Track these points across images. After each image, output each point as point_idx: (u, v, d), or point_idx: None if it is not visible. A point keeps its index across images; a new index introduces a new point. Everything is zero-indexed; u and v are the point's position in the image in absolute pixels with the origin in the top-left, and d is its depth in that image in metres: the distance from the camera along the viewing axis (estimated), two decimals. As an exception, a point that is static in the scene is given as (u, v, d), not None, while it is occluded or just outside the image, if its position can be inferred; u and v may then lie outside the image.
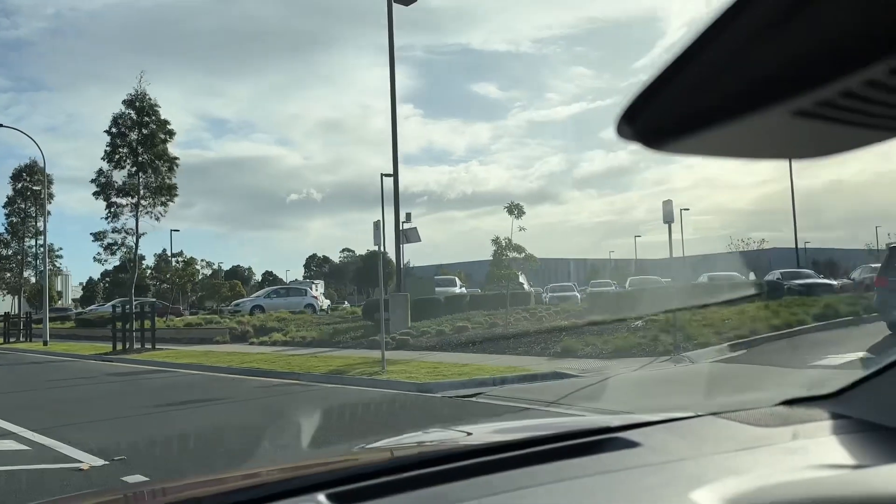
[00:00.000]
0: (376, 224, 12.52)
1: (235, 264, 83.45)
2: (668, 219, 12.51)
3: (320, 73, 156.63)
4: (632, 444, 1.37)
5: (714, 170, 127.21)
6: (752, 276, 28.08)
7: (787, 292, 22.58)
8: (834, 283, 24.82)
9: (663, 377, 9.85)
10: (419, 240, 19.96)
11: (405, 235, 20.08)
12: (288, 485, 1.19)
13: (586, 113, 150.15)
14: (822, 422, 1.50)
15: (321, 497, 1.09)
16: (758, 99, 0.48)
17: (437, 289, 23.68)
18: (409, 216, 20.28)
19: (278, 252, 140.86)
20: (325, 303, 36.97)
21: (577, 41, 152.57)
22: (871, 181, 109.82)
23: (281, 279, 76.35)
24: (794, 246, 53.07)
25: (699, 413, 1.66)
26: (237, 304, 33.20)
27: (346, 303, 52.73)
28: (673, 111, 0.52)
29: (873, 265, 26.28)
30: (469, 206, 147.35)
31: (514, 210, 16.95)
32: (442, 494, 1.13)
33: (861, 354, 10.78)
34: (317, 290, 39.26)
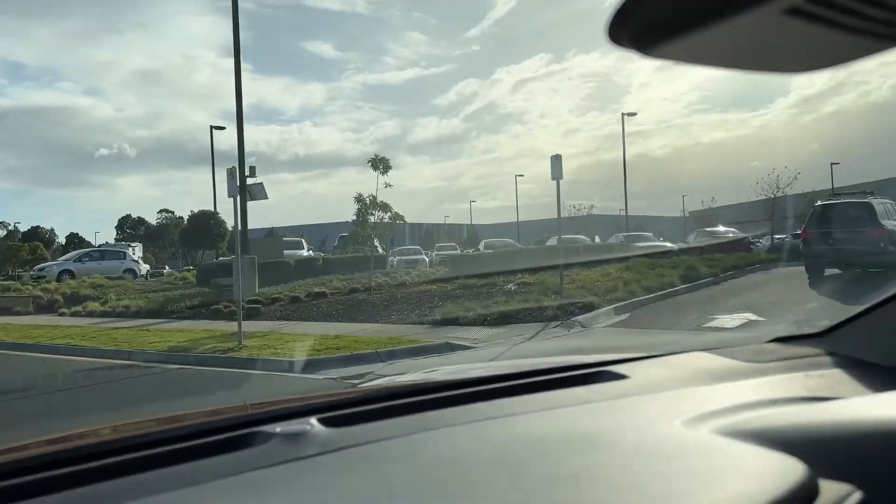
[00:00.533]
0: (231, 171, 10.50)
1: (35, 225, 74.04)
2: (557, 175, 11.67)
3: (135, 19, 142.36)
4: (621, 377, 1.43)
5: (537, 141, 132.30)
6: (596, 239, 28.64)
7: (632, 254, 23.09)
8: (674, 246, 25.92)
9: (570, 347, 8.98)
10: (266, 196, 17.78)
11: (250, 191, 17.84)
12: (284, 411, 1.22)
13: (421, 79, 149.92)
14: (809, 358, 1.56)
15: (313, 420, 1.15)
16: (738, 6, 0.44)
17: (285, 251, 21.61)
18: (253, 170, 17.99)
19: (86, 212, 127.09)
20: (145, 268, 33.26)
21: (415, 6, 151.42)
22: (670, 155, 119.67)
23: (89, 242, 68.73)
24: (612, 213, 57.04)
25: (690, 349, 1.70)
26: (41, 269, 28.79)
27: (166, 267, 48.31)
28: (662, 13, 0.48)
29: (708, 229, 27.86)
30: (301, 168, 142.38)
31: (380, 164, 15.38)
32: (433, 419, 1.19)
33: (751, 317, 10.63)
34: (136, 254, 35.23)
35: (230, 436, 1.11)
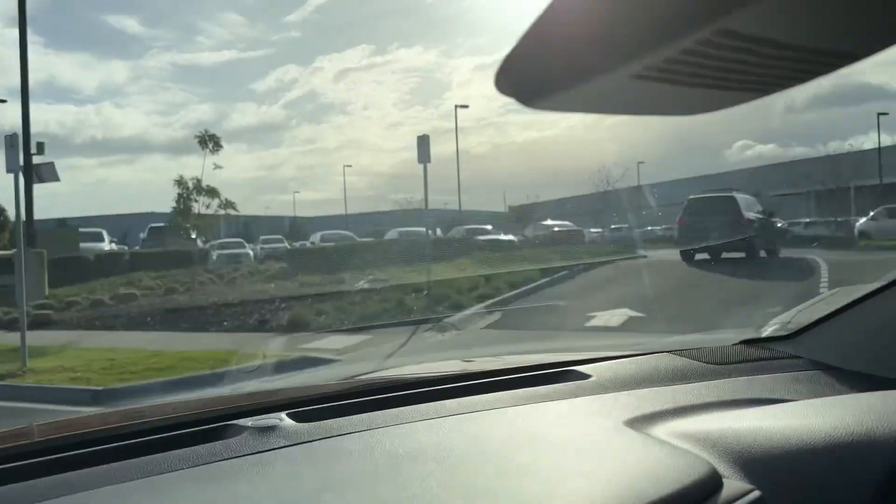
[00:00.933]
0: (10, 139, 7.92)
1: None
2: (424, 159, 10.26)
3: None
4: (585, 377, 1.47)
5: (362, 133, 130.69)
6: (438, 232, 27.70)
7: (476, 247, 22.38)
8: (514, 238, 25.61)
9: (461, 356, 7.60)
10: (57, 178, 14.69)
11: (38, 172, 14.62)
12: (256, 406, 1.26)
13: (238, 62, 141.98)
14: (775, 360, 1.59)
15: (283, 415, 1.20)
16: (605, 60, 0.52)
17: (82, 244, 18.26)
18: (41, 147, 14.82)
19: None
20: None
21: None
22: (489, 152, 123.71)
23: None
24: (437, 207, 57.25)
25: (657, 350, 1.71)
26: None
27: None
28: (540, 70, 0.55)
29: (544, 222, 27.90)
30: (99, 153, 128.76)
31: (209, 142, 13.03)
32: (397, 415, 1.23)
33: (630, 313, 9.90)
34: None
35: (205, 428, 1.15)
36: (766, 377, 1.47)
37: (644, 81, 0.54)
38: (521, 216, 47.67)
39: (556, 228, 25.74)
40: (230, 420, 1.17)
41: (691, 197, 18.23)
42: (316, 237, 26.14)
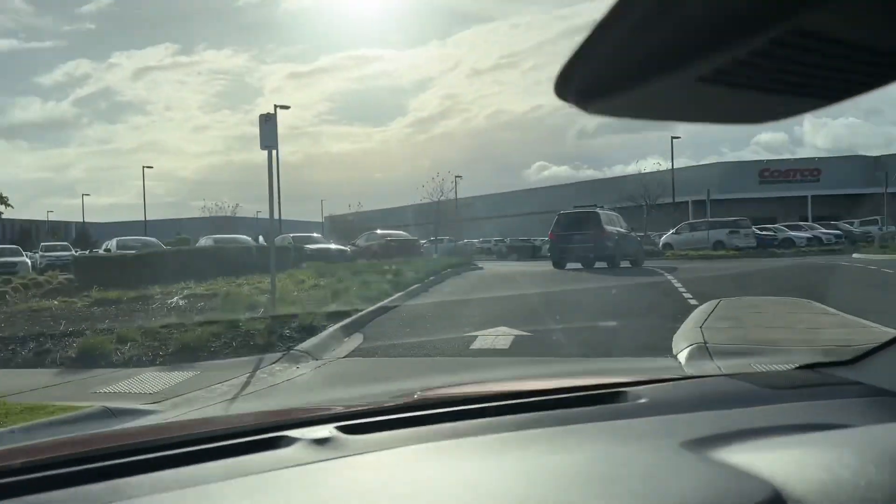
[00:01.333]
0: None
1: None
2: (269, 142, 8.11)
3: None
4: (637, 398, 1.42)
5: (164, 135, 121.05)
6: (261, 240, 24.93)
7: (305, 257, 20.24)
8: (346, 248, 23.60)
9: (327, 399, 5.62)
10: None
11: None
12: (308, 419, 1.31)
13: (20, 52, 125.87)
14: (835, 386, 1.53)
15: (333, 427, 1.22)
16: (667, 64, 0.51)
17: None
18: None
19: None
20: None
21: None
22: (302, 161, 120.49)
23: None
24: (249, 215, 54.09)
25: (712, 374, 1.70)
26: None
27: None
28: (600, 74, 0.55)
29: (379, 231, 26.11)
30: None
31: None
32: (452, 431, 1.22)
33: (508, 330, 8.49)
34: None
35: (258, 438, 1.18)
36: (827, 402, 1.41)
37: (711, 86, 0.53)
38: (342, 225, 45.87)
39: (390, 238, 24.13)
40: (282, 431, 1.19)
41: (561, 212, 20.28)
42: (111, 244, 22.24)
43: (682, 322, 9.06)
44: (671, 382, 1.56)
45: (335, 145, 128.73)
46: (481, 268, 21.49)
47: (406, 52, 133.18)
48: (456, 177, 57.23)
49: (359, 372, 6.97)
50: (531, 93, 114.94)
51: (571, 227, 19.15)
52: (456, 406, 1.34)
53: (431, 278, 14.72)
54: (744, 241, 34.65)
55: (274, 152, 8.47)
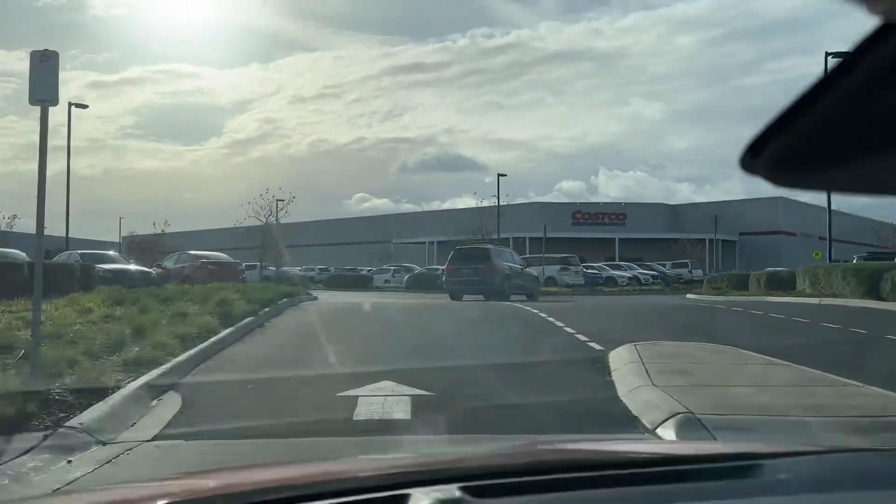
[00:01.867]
0: None
1: None
2: (46, 94, 5.05)
3: None
4: (777, 472, 1.28)
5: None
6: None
7: (99, 280, 16.35)
8: (150, 270, 19.62)
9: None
10: None
11: None
12: (423, 476, 1.18)
13: None
14: None
15: (454, 488, 1.12)
16: (872, 142, 0.51)
17: None
18: None
19: None
20: None
21: None
22: (100, 176, 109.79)
23: None
24: (31, 231, 46.55)
25: (848, 448, 1.57)
26: None
27: None
28: (794, 149, 0.55)
29: (192, 252, 22.19)
30: None
31: None
32: (586, 498, 1.15)
33: (392, 385, 6.03)
34: None
35: (382, 496, 1.10)
36: None
37: None
38: (144, 246, 40.56)
39: (207, 260, 20.54)
40: (406, 488, 1.10)
41: (457, 248, 21.95)
42: None
43: (602, 371, 7.20)
44: (806, 456, 1.39)
45: (141, 161, 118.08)
46: (315, 297, 18.78)
47: (225, 71, 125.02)
48: (277, 200, 53.64)
49: (179, 468, 4.14)
50: (355, 125, 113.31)
51: (465, 262, 20.44)
52: (589, 471, 1.21)
53: (266, 310, 11.79)
54: (574, 277, 34.89)
55: (53, 111, 5.43)
